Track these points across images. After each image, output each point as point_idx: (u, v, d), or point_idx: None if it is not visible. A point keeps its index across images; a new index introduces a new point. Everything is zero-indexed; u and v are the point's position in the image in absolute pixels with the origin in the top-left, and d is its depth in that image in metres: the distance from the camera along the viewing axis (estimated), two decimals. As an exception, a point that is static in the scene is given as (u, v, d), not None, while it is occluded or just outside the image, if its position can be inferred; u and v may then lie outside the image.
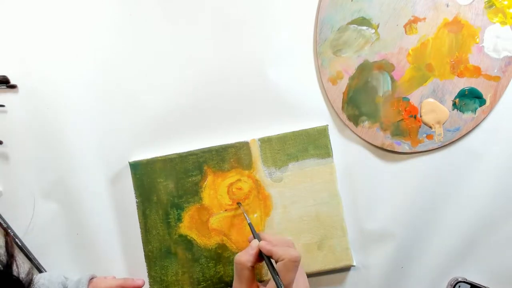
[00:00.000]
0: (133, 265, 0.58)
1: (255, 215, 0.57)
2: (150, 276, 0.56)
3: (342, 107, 0.58)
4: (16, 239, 0.56)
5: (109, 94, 0.58)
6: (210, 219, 0.57)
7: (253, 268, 0.48)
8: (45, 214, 0.57)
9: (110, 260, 0.58)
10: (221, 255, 0.56)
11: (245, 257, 0.48)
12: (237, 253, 0.50)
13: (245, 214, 0.55)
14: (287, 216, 0.57)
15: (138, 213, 0.57)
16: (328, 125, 0.58)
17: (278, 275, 0.44)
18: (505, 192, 0.58)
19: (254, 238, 0.50)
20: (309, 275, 0.56)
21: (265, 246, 0.47)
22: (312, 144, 0.57)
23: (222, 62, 0.58)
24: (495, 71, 0.57)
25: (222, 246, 0.56)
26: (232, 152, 0.57)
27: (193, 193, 0.57)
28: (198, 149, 0.57)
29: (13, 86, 0.57)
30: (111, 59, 0.57)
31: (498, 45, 0.57)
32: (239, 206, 0.56)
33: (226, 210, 0.57)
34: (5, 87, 0.57)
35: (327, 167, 0.57)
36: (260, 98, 0.58)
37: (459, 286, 0.58)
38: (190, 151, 0.57)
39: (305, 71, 0.58)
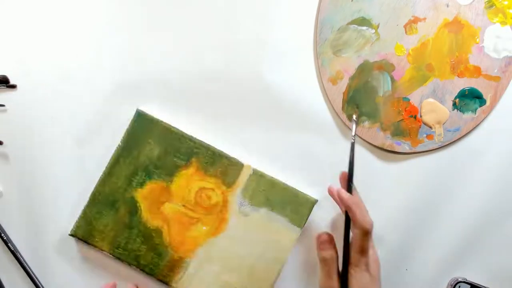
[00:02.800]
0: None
1: (204, 228, 0.56)
2: (83, 212, 0.55)
3: (342, 107, 0.58)
4: (9, 244, 0.56)
5: (109, 94, 0.58)
6: (165, 204, 0.56)
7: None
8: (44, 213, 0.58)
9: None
10: (152, 239, 0.56)
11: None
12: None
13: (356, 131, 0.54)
14: (229, 248, 0.56)
15: (112, 155, 0.56)
16: (318, 200, 0.57)
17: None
18: (505, 192, 0.58)
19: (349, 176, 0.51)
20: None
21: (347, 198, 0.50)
22: (293, 206, 0.56)
23: (222, 63, 0.58)
24: (495, 71, 0.57)
25: (158, 233, 0.56)
26: (224, 163, 0.56)
27: (169, 172, 0.56)
28: (199, 140, 0.56)
29: (13, 86, 0.57)
30: (111, 59, 0.57)
31: (498, 45, 0.57)
32: (355, 121, 0.56)
33: (184, 206, 0.56)
34: (5, 87, 0.57)
35: (291, 234, 0.56)
36: (258, 98, 0.58)
37: (459, 286, 0.58)
38: (192, 136, 0.56)
39: (305, 71, 0.58)
